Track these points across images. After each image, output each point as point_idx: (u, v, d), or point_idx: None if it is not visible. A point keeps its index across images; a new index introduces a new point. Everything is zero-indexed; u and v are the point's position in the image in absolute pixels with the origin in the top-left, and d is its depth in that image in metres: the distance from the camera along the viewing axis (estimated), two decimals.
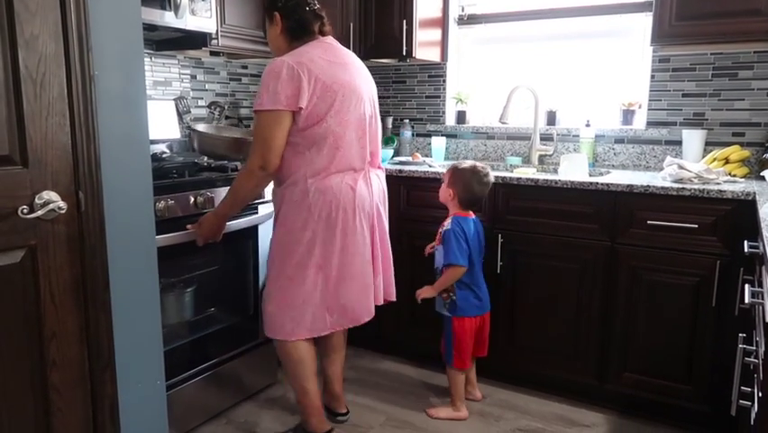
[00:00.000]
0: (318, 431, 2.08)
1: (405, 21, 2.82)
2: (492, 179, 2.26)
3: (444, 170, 2.33)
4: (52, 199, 1.29)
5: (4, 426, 1.30)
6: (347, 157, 1.90)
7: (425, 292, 2.27)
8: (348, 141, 1.89)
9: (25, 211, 1.25)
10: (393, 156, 3.06)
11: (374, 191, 2.01)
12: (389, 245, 2.14)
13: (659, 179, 2.23)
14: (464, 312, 2.24)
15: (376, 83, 3.33)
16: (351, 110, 1.89)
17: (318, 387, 2.10)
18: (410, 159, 2.97)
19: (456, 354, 2.26)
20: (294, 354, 2.00)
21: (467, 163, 2.26)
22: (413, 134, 3.29)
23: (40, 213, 1.27)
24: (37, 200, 1.28)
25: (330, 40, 1.97)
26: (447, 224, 2.23)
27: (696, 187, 2.06)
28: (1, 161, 1.23)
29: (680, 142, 2.61)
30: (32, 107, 1.27)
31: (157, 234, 1.62)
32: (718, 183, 2.12)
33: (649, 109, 2.69)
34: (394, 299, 2.19)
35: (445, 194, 2.27)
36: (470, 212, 2.28)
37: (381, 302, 2.10)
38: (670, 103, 2.65)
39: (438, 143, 3.07)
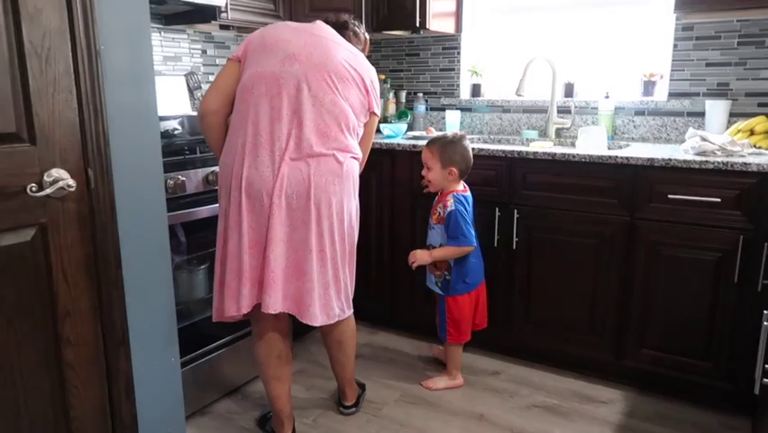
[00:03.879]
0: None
1: None
2: None
3: (429, 156, 2.19)
4: (61, 177, 1.28)
5: (21, 404, 1.31)
6: (256, 121, 1.69)
7: (420, 259, 2.21)
8: (250, 100, 1.70)
9: (34, 189, 1.24)
10: (407, 131, 3.01)
11: (283, 177, 1.68)
12: (318, 258, 1.75)
13: (681, 152, 2.16)
14: (457, 291, 2.23)
15: (389, 56, 3.32)
16: (269, 64, 1.71)
17: (282, 393, 1.94)
18: (424, 133, 2.92)
19: (453, 331, 2.26)
20: (254, 355, 1.94)
21: (448, 135, 2.21)
22: (427, 108, 3.23)
23: (49, 191, 1.26)
24: (46, 178, 1.27)
25: (322, 23, 1.87)
26: (450, 204, 2.15)
27: (719, 159, 1.99)
28: (8, 139, 1.22)
29: (703, 114, 2.53)
30: (37, 83, 1.25)
31: (168, 212, 1.60)
32: (743, 155, 2.05)
33: (671, 80, 2.61)
34: (308, 321, 1.77)
35: (443, 176, 2.18)
36: (464, 185, 2.24)
37: (273, 308, 1.71)
38: (693, 73, 2.56)
39: (453, 117, 3.02)
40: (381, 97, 3.18)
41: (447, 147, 2.16)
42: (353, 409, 2.17)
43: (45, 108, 1.27)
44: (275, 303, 1.72)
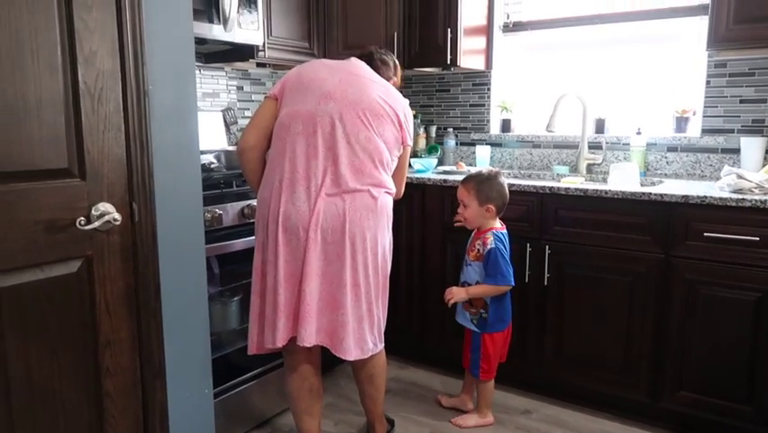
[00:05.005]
0: None
1: (449, 29, 2.81)
2: None
3: (465, 194, 2.18)
4: (108, 211, 1.33)
5: (62, 431, 1.33)
6: (293, 157, 1.74)
7: (457, 296, 2.20)
8: (287, 138, 1.75)
9: (83, 222, 1.29)
10: (437, 165, 3.04)
11: (319, 212, 1.72)
12: (352, 292, 1.77)
13: (716, 190, 2.14)
14: (494, 328, 2.21)
15: (419, 92, 3.38)
16: (305, 102, 1.76)
17: (312, 427, 1.96)
18: (454, 168, 2.95)
19: (486, 367, 2.23)
20: (285, 388, 1.98)
21: (483, 172, 2.21)
22: (457, 143, 3.26)
23: (96, 224, 1.30)
24: (93, 212, 1.32)
25: (357, 60, 1.92)
26: (490, 242, 2.15)
27: (757, 197, 1.96)
28: (61, 174, 1.28)
29: (737, 151, 2.50)
30: (89, 121, 1.31)
31: (206, 244, 1.64)
32: None
33: (704, 116, 2.59)
34: (342, 354, 1.78)
35: (480, 213, 2.17)
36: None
37: (307, 341, 1.74)
38: (726, 109, 2.54)
39: (483, 152, 3.04)
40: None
41: (483, 184, 2.16)
42: None
43: (95, 145, 1.32)
44: (310, 336, 1.74)
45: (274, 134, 1.81)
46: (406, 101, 1.94)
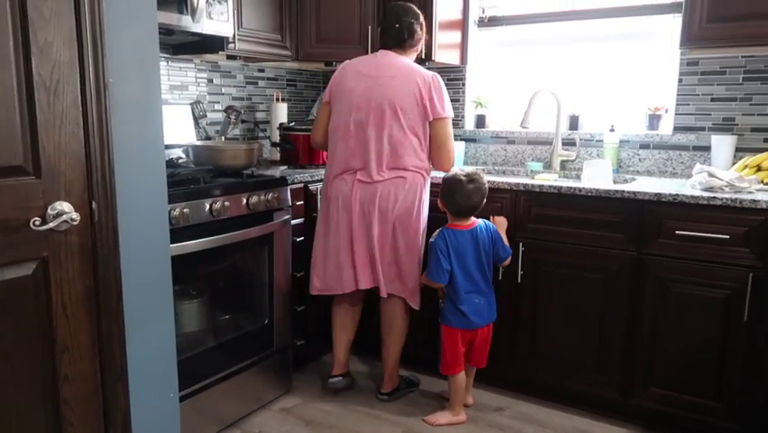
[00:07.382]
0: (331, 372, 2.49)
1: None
2: (483, 186, 2.19)
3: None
4: (65, 210, 1.27)
5: None
6: (338, 157, 2.24)
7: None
8: (335, 141, 2.24)
9: (37, 223, 1.23)
10: None
11: (357, 192, 2.20)
12: (392, 249, 2.24)
13: (688, 187, 2.15)
14: (448, 322, 2.24)
15: None
16: (342, 113, 2.21)
17: (339, 341, 2.46)
18: None
19: (442, 360, 2.27)
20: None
21: (459, 173, 2.19)
22: None
23: (52, 225, 1.24)
24: (50, 211, 1.25)
25: (384, 53, 2.26)
26: (433, 236, 2.24)
27: (727, 196, 1.98)
28: (13, 172, 1.21)
29: (708, 148, 2.52)
30: (45, 116, 1.24)
31: (171, 243, 1.59)
32: (751, 192, 2.04)
33: (676, 114, 2.61)
34: (380, 292, 2.28)
35: (440, 205, 2.26)
36: (471, 221, 2.22)
37: (363, 286, 2.26)
38: (698, 107, 2.56)
39: (457, 148, 3.01)
40: None
41: (446, 182, 2.22)
42: (386, 397, 2.42)
43: (51, 141, 1.26)
44: (364, 282, 2.26)
45: (328, 136, 2.28)
46: (431, 75, 2.19)
